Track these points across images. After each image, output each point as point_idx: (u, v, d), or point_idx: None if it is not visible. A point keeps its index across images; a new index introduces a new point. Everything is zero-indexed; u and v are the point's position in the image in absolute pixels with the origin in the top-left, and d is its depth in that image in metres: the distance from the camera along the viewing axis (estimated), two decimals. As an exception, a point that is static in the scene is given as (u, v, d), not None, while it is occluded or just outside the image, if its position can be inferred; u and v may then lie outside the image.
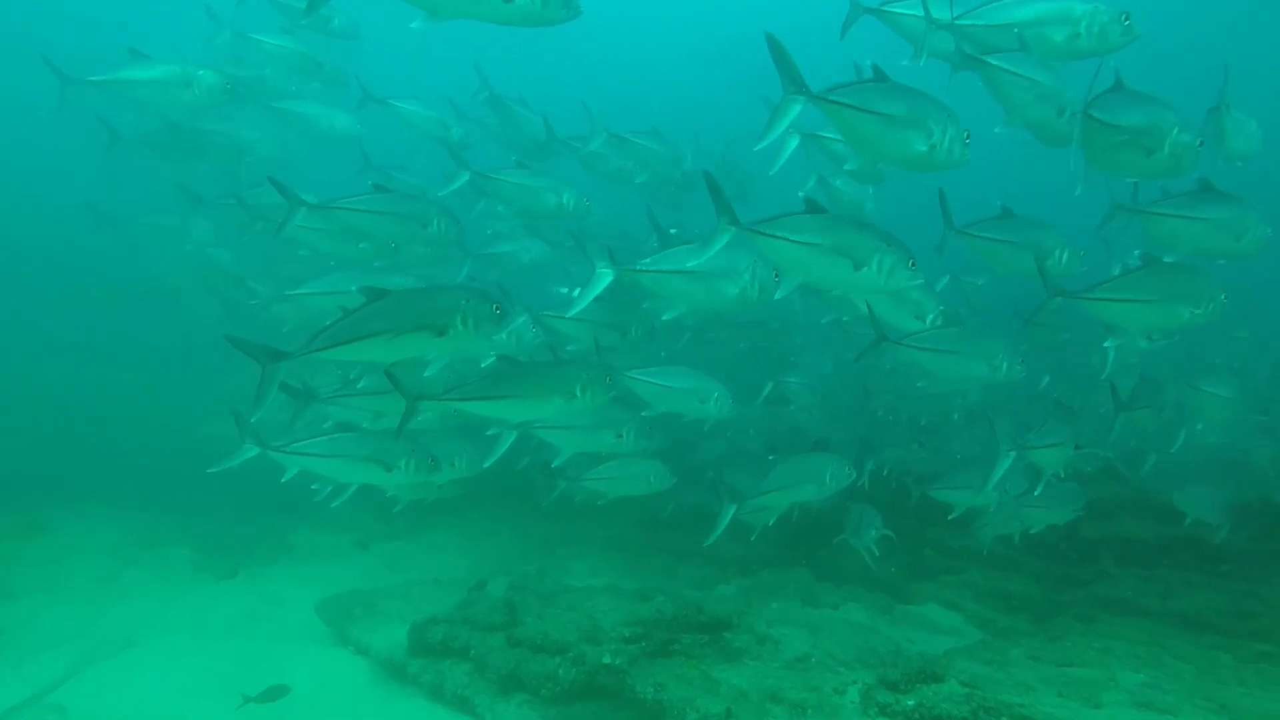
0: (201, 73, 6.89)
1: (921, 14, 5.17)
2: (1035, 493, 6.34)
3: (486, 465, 5.81)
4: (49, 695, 6.07)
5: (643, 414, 5.89)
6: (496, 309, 4.45)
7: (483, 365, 5.63)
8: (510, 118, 8.76)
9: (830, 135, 6.36)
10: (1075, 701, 4.58)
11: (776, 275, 5.14)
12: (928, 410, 8.78)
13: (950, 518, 6.94)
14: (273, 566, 10.07)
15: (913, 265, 4.62)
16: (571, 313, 5.36)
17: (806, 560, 8.99)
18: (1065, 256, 6.11)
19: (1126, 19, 5.00)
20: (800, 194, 6.27)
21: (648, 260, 5.21)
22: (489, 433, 5.64)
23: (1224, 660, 6.11)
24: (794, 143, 5.31)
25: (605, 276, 5.07)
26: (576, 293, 6.67)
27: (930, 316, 5.64)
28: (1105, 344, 6.70)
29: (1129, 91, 4.88)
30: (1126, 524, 8.44)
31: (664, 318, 5.55)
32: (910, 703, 4.37)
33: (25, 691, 6.13)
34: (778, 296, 5.16)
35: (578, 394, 4.86)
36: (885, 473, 8.25)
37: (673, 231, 6.94)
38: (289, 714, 5.56)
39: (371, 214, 6.22)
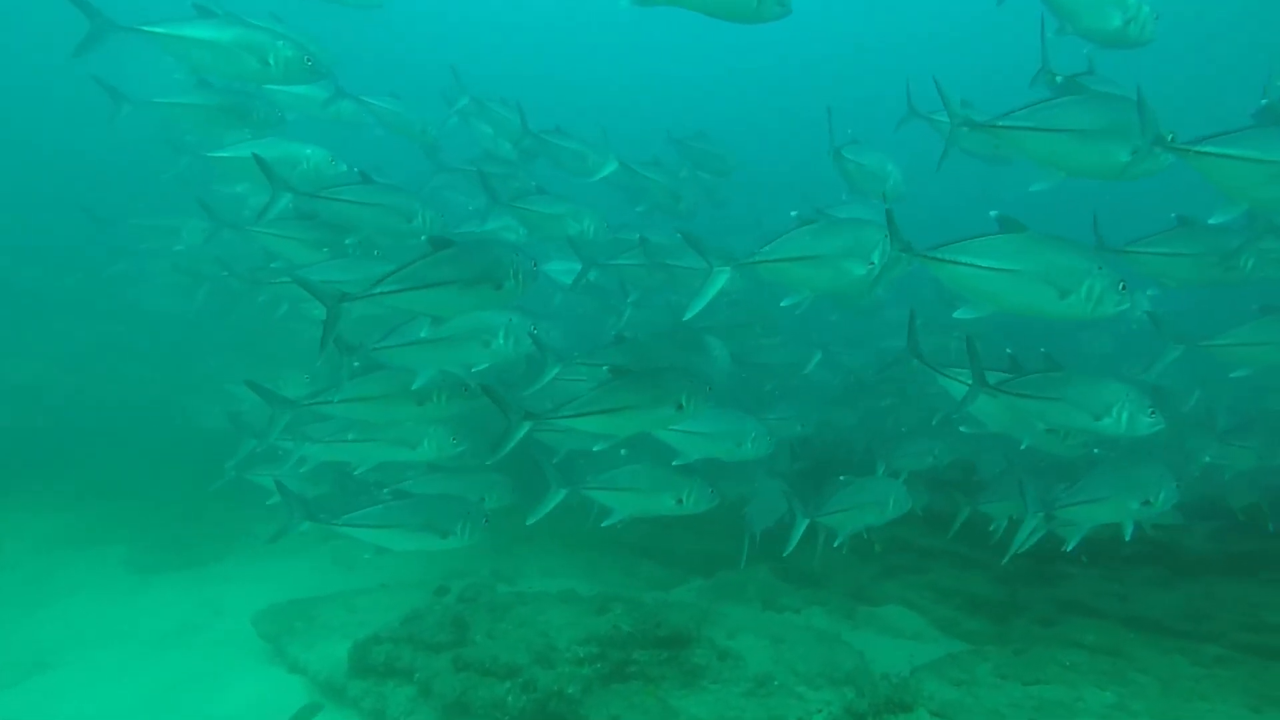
0: (280, 43, 6.05)
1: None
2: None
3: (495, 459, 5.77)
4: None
5: (675, 463, 5.45)
6: (534, 265, 4.70)
7: (475, 370, 5.34)
8: (492, 119, 8.25)
9: None
10: (1045, 728, 4.45)
11: (905, 249, 4.60)
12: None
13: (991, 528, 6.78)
14: (217, 565, 9.60)
15: (1123, 289, 4.15)
16: (688, 315, 4.82)
17: (767, 557, 8.80)
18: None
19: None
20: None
21: (767, 249, 4.78)
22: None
23: (1182, 667, 6.09)
24: None
25: (722, 274, 4.68)
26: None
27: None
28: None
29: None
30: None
31: (782, 304, 5.05)
32: (878, 737, 4.19)
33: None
34: (963, 315, 4.44)
35: (684, 404, 4.67)
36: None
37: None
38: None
39: (357, 205, 5.79)
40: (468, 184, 8.35)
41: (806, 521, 5.43)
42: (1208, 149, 3.99)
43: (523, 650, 5.52)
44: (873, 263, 4.58)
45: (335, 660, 5.99)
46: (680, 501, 5.21)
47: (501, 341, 5.07)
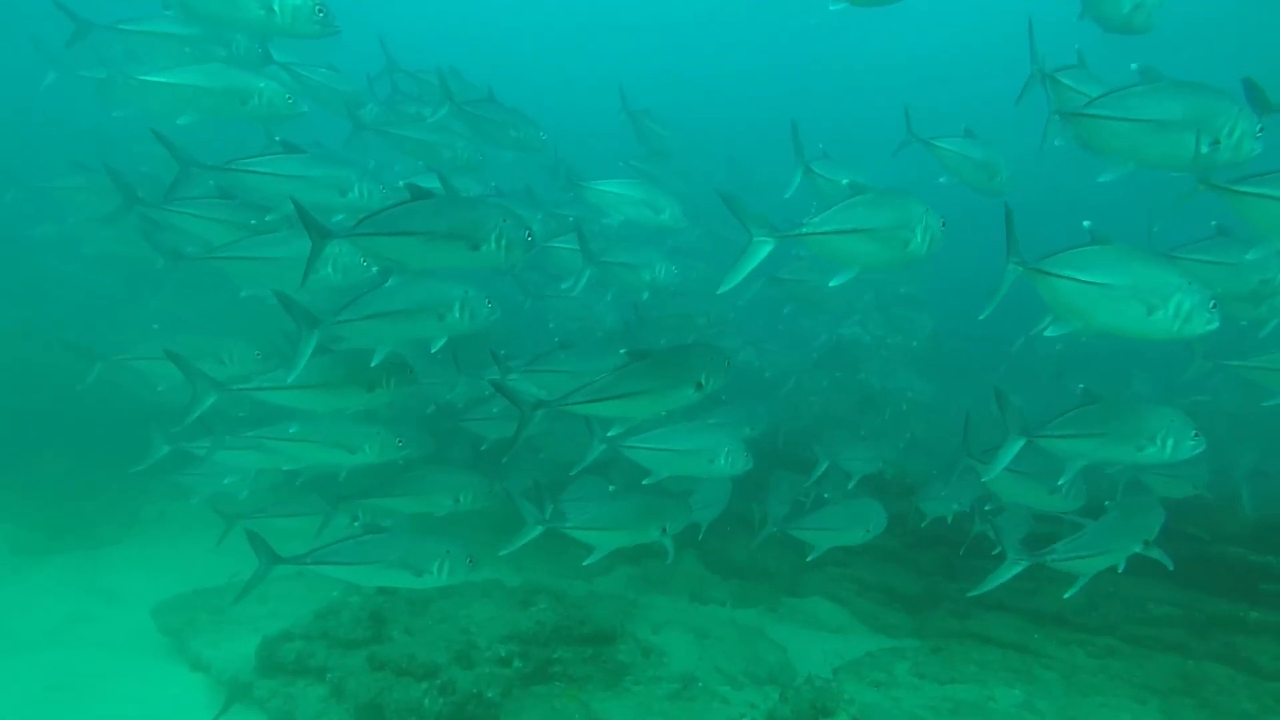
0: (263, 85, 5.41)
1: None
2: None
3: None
4: None
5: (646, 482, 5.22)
6: (529, 235, 4.39)
7: (433, 350, 4.79)
8: (426, 91, 7.78)
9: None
10: (959, 730, 4.56)
11: (943, 224, 4.44)
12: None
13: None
14: (116, 547, 8.99)
15: (1214, 308, 3.94)
16: (724, 288, 4.40)
17: (695, 546, 8.82)
18: None
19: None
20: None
21: (816, 220, 4.42)
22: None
23: (1080, 659, 6.41)
24: None
25: (764, 246, 4.28)
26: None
27: None
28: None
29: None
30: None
31: (832, 284, 4.61)
32: (800, 742, 4.21)
33: None
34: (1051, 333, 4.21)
35: (704, 383, 4.39)
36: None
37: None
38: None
39: (277, 177, 5.12)
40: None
41: (774, 529, 5.43)
42: (1246, 189, 3.91)
43: (442, 648, 5.35)
44: (924, 237, 4.35)
45: (243, 657, 5.67)
46: (665, 530, 5.04)
47: (457, 315, 4.55)
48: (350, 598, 6.49)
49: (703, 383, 4.38)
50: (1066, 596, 4.92)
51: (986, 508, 6.34)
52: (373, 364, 4.58)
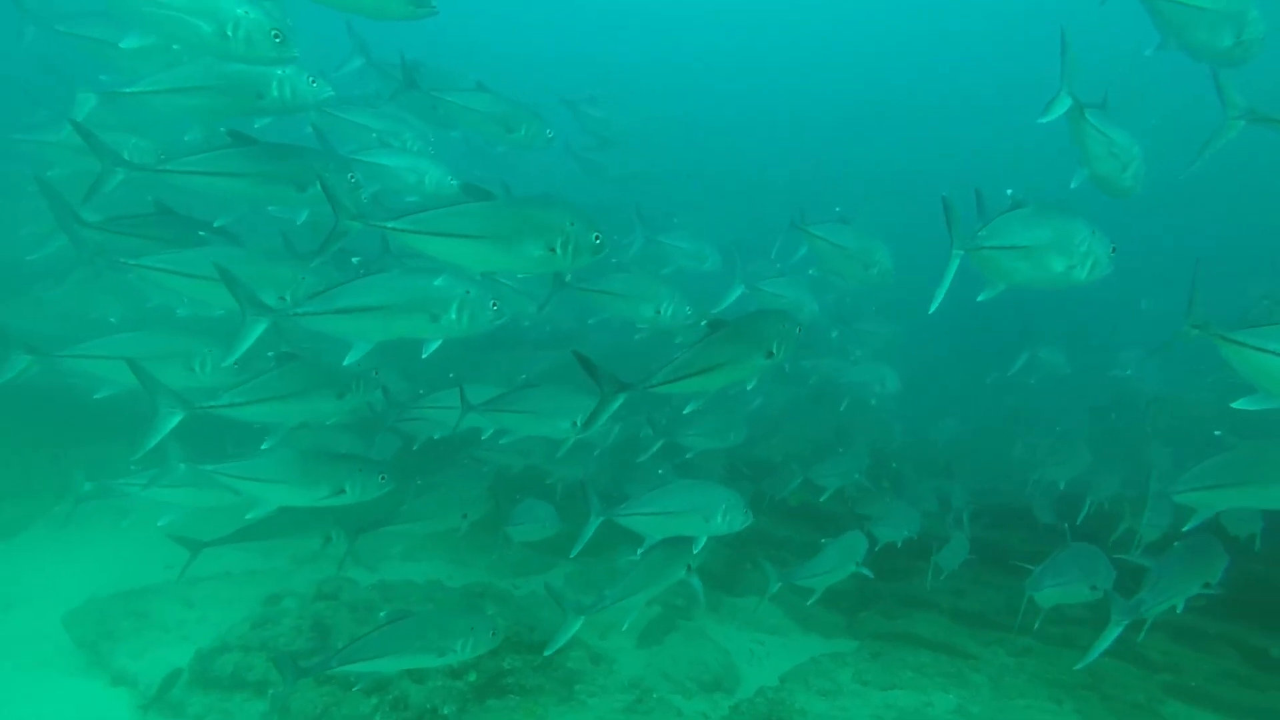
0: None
1: None
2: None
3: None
4: None
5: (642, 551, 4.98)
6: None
7: (424, 355, 4.41)
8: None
9: None
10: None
11: (1114, 249, 4.32)
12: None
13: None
14: (14, 539, 8.31)
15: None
16: (933, 307, 4.22)
17: (633, 541, 8.88)
18: None
19: None
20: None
21: (985, 231, 4.26)
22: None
23: (1004, 660, 6.82)
24: None
25: (958, 257, 4.19)
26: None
27: None
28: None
29: None
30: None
31: (981, 298, 4.50)
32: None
33: None
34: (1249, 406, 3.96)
35: (775, 351, 4.22)
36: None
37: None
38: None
39: (221, 176, 4.45)
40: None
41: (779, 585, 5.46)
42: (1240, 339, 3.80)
43: (391, 660, 5.21)
44: (1082, 263, 4.24)
45: (172, 668, 5.37)
46: (716, 522, 4.82)
47: (454, 316, 4.19)
48: (286, 602, 6.25)
49: (774, 351, 4.24)
50: (1140, 640, 5.13)
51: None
52: (345, 362, 4.21)
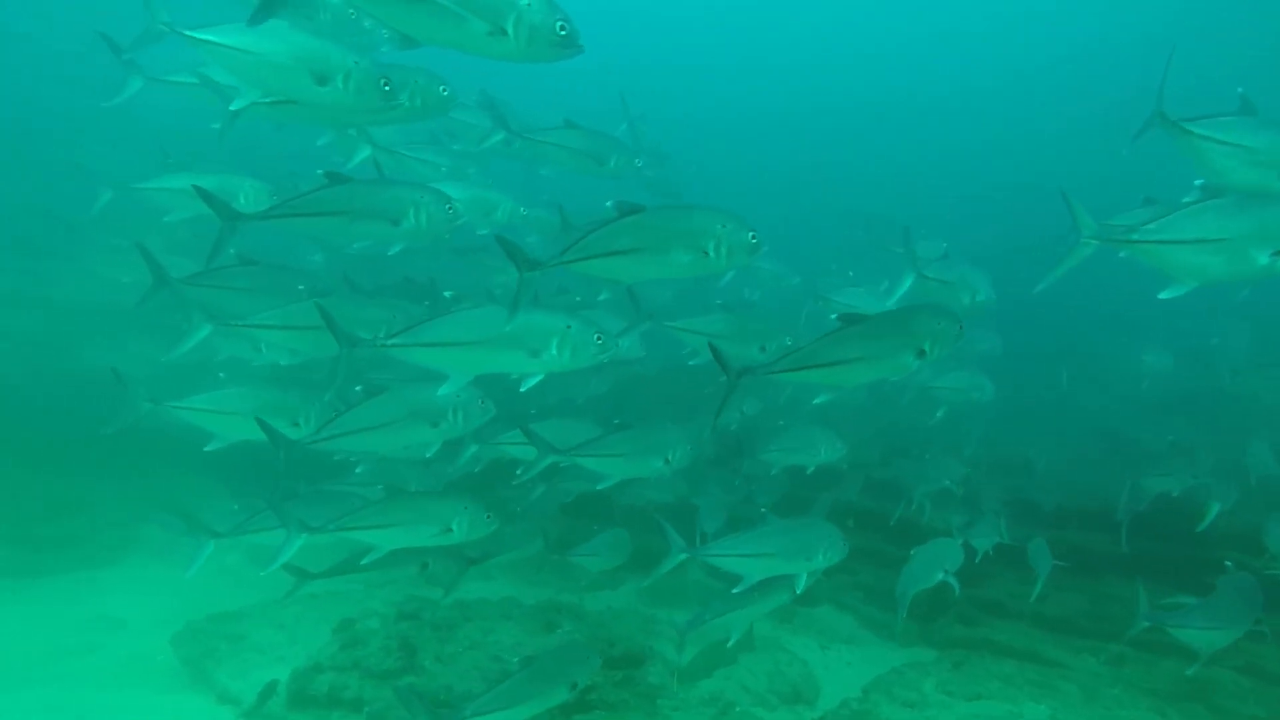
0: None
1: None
2: None
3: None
4: None
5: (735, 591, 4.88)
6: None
7: (523, 389, 4.56)
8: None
9: None
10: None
11: None
12: None
13: None
14: (113, 569, 8.72)
15: None
16: (1041, 287, 4.08)
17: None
18: None
19: None
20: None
21: (1151, 227, 4.02)
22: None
23: (1095, 669, 6.61)
24: None
25: (1088, 247, 4.02)
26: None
27: None
28: None
29: None
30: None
31: (1162, 296, 4.17)
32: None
33: None
34: None
35: (928, 349, 3.93)
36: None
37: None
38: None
39: (320, 216, 4.56)
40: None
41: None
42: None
43: (476, 677, 5.35)
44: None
45: (270, 687, 5.59)
46: (817, 560, 4.73)
47: (554, 352, 4.18)
48: (370, 623, 6.43)
49: (926, 349, 3.92)
50: (1189, 674, 5.18)
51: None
52: (439, 393, 4.31)
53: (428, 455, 5.14)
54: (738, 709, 5.32)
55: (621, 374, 8.08)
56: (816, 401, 4.98)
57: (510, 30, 3.54)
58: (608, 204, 4.07)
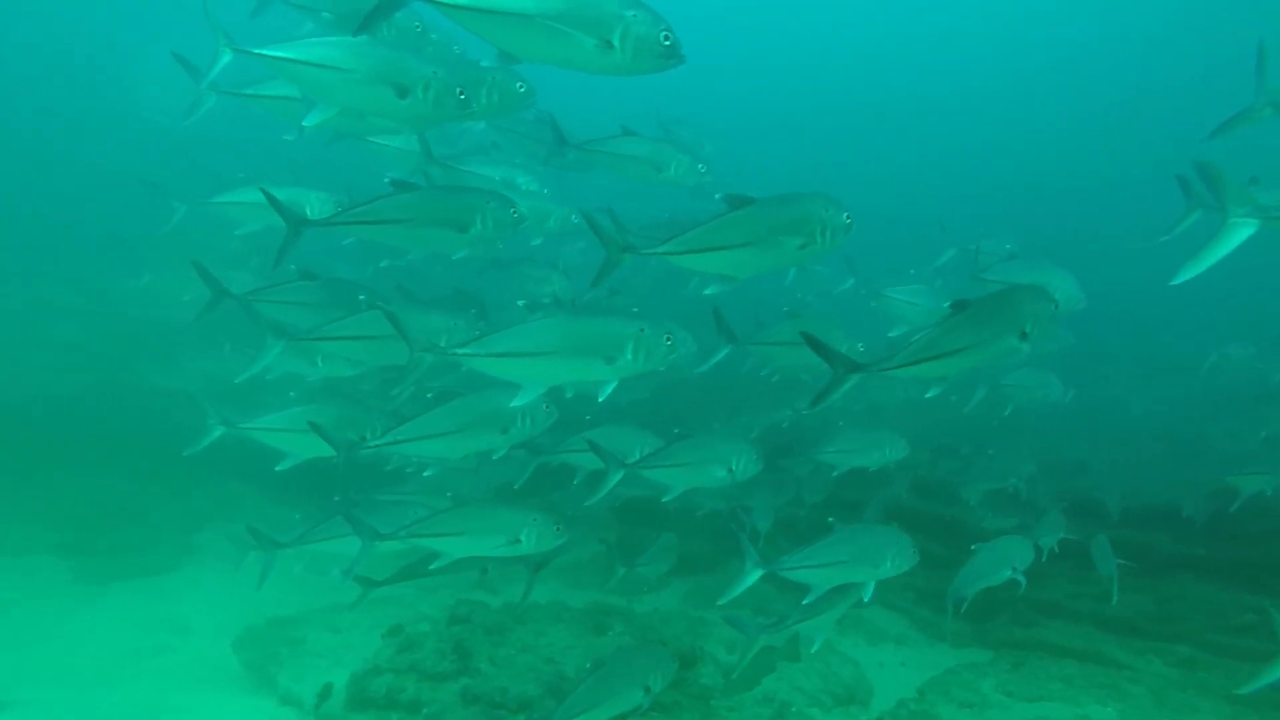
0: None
1: None
2: None
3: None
4: None
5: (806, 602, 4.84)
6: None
7: (601, 399, 4.50)
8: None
9: None
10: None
11: None
12: None
13: None
14: (174, 574, 8.97)
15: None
16: (1180, 278, 3.82)
17: (738, 556, 8.85)
18: None
19: None
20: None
21: None
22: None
23: (1162, 671, 6.39)
24: None
25: (1249, 227, 3.80)
26: None
27: None
28: None
29: None
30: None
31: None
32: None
33: None
34: None
35: (1029, 331, 3.89)
36: None
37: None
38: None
39: (389, 224, 4.64)
40: None
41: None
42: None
43: (531, 680, 5.39)
44: None
45: (328, 689, 5.71)
46: (885, 567, 4.69)
47: (629, 357, 4.13)
48: (422, 626, 6.52)
49: (1028, 331, 3.88)
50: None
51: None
52: (513, 405, 4.30)
53: (493, 459, 5.18)
54: (793, 709, 5.28)
55: (664, 379, 8.08)
56: (929, 395, 4.86)
57: (617, 43, 3.51)
58: (717, 196, 4.08)
